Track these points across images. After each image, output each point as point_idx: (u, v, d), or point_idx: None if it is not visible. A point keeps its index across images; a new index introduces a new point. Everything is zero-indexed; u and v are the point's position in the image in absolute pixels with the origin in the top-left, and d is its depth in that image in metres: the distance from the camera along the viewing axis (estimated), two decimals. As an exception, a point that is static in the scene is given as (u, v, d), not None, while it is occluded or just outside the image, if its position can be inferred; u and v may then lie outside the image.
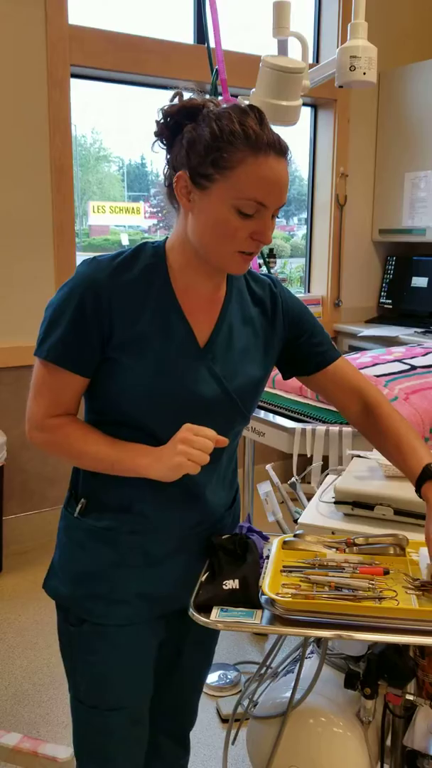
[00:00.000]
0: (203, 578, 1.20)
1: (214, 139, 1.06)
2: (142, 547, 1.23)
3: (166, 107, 1.15)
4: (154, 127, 1.17)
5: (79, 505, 1.24)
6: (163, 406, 1.15)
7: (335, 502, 1.46)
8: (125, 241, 3.87)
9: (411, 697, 1.32)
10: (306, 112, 4.03)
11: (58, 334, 1.13)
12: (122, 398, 1.15)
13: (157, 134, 1.16)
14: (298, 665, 1.45)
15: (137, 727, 1.30)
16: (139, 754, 1.33)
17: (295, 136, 4.08)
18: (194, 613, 1.11)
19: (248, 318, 1.26)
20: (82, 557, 1.23)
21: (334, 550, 1.24)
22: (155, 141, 1.17)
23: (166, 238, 1.21)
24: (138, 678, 1.28)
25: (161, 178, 1.19)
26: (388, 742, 1.47)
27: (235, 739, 2.00)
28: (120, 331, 1.13)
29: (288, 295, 1.32)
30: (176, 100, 1.16)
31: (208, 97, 1.17)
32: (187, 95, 1.16)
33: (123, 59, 3.14)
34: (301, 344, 1.32)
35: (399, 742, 1.46)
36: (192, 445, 1.10)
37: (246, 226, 1.09)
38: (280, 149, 1.08)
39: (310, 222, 4.20)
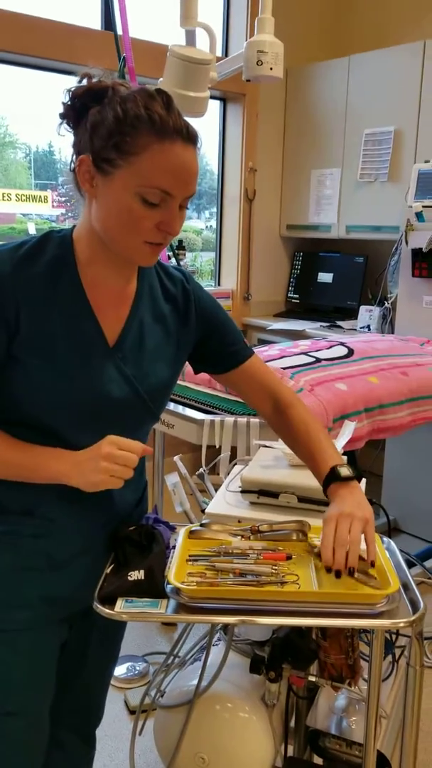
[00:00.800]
0: (108, 570, 1.19)
1: (118, 122, 1.03)
2: (45, 550, 1.19)
3: (72, 88, 1.11)
4: (60, 109, 1.12)
5: None
6: (70, 407, 1.12)
7: (242, 491, 1.48)
8: (32, 230, 3.77)
9: (313, 679, 1.36)
10: (215, 106, 4.04)
11: None
12: (27, 400, 1.11)
13: (62, 116, 1.11)
14: (204, 653, 1.46)
15: (37, 732, 1.25)
16: (38, 759, 1.27)
17: (205, 129, 4.09)
18: (98, 606, 1.10)
19: (160, 315, 1.23)
20: None
21: (240, 537, 1.25)
22: (60, 123, 1.12)
23: (74, 227, 1.16)
24: (39, 682, 1.23)
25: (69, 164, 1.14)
26: (292, 723, 1.51)
27: (142, 729, 2.00)
28: (26, 328, 1.08)
29: (201, 293, 1.30)
30: (84, 82, 1.11)
31: (118, 79, 1.12)
32: (97, 78, 1.13)
33: (26, 41, 3.05)
34: (213, 343, 1.31)
35: (302, 723, 1.50)
36: (116, 462, 1.08)
37: (151, 215, 1.06)
38: (188, 136, 1.05)
39: (220, 216, 4.22)
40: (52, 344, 1.10)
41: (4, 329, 1.07)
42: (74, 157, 1.11)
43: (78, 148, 1.10)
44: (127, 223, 1.06)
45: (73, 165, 1.11)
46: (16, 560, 1.17)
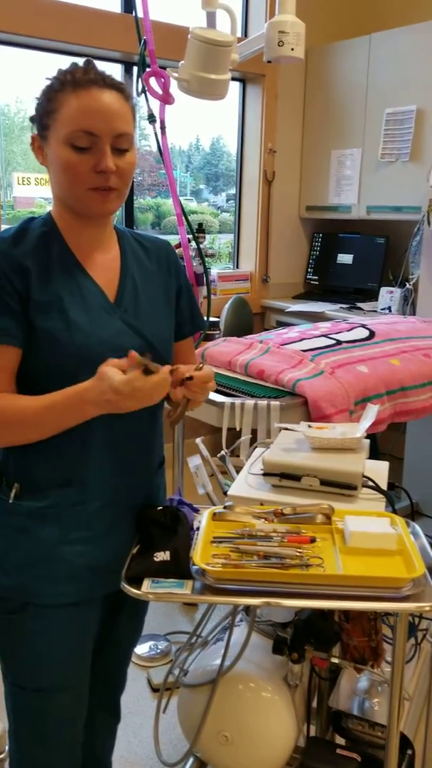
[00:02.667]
0: (134, 551, 1.21)
1: (45, 93, 1.15)
2: (87, 519, 1.23)
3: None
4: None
5: (13, 490, 1.22)
6: (91, 363, 1.15)
7: (263, 474, 1.49)
8: (51, 214, 3.78)
9: (336, 661, 1.38)
10: (234, 87, 4.01)
11: None
12: (50, 367, 1.15)
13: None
14: (227, 633, 1.48)
15: (80, 706, 1.31)
16: (81, 731, 1.34)
17: (224, 111, 4.06)
18: (126, 585, 1.12)
19: (147, 271, 1.31)
20: (26, 541, 1.21)
21: (263, 520, 1.27)
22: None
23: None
24: (82, 657, 1.29)
25: None
26: (315, 703, 1.53)
27: (165, 707, 2.03)
28: (36, 294, 1.14)
29: (178, 260, 1.39)
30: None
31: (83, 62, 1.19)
32: (105, 65, 1.19)
33: (46, 26, 3.04)
34: (182, 304, 1.38)
35: (324, 704, 1.52)
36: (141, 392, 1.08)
37: (85, 160, 1.12)
38: (104, 83, 1.13)
39: (239, 198, 4.20)
40: (62, 304, 1.16)
41: (17, 299, 1.13)
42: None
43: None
44: (67, 175, 1.14)
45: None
46: (61, 533, 1.21)
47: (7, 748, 1.75)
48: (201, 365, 1.23)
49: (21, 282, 1.14)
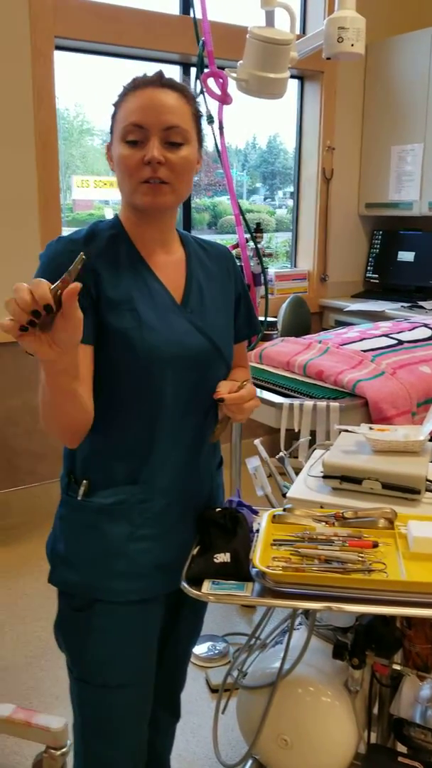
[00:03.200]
0: (194, 552, 1.21)
1: (115, 100, 1.20)
2: (155, 516, 1.24)
3: None
4: None
5: (82, 488, 1.24)
6: (160, 362, 1.18)
7: (323, 477, 1.47)
8: (109, 215, 3.83)
9: (398, 667, 1.35)
10: (293, 85, 3.99)
11: None
12: (120, 365, 1.17)
13: None
14: (286, 636, 1.47)
15: (146, 703, 1.32)
16: (145, 729, 1.35)
17: (281, 108, 4.04)
18: (186, 586, 1.12)
19: (210, 273, 1.32)
20: (95, 538, 1.23)
21: (323, 524, 1.25)
22: None
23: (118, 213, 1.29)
24: (148, 653, 1.31)
25: None
26: (375, 710, 1.50)
27: (225, 708, 2.03)
28: (105, 292, 1.17)
29: (238, 267, 1.41)
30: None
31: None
32: (163, 67, 1.22)
33: (106, 31, 3.08)
34: (241, 309, 1.40)
35: (386, 711, 1.49)
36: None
37: (134, 153, 1.15)
38: (161, 83, 1.16)
39: (297, 196, 4.18)
40: (132, 304, 1.18)
41: (88, 298, 1.15)
42: None
43: None
44: (121, 169, 1.17)
45: None
46: (130, 529, 1.23)
47: (68, 742, 1.78)
48: (244, 383, 1.24)
49: (93, 281, 1.16)
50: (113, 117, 1.20)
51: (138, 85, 1.17)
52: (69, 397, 1.06)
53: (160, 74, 1.19)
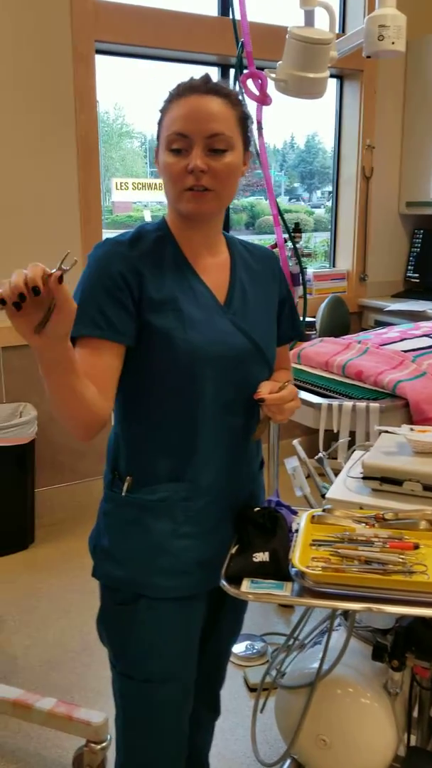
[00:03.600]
0: (233, 550, 1.22)
1: (162, 106, 1.21)
2: (197, 515, 1.26)
3: None
4: None
5: (126, 483, 1.26)
6: (202, 362, 1.19)
7: (363, 478, 1.47)
8: (148, 218, 3.86)
9: (438, 669, 1.34)
10: (332, 84, 3.97)
11: (96, 306, 1.16)
12: (164, 365, 1.19)
13: None
14: (325, 637, 1.47)
15: (187, 697, 1.34)
16: (186, 724, 1.36)
17: (320, 107, 4.02)
18: (225, 584, 1.13)
19: (255, 274, 1.34)
20: (139, 533, 1.25)
21: (363, 525, 1.25)
22: None
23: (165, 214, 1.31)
24: (190, 649, 1.32)
25: None
26: (416, 713, 1.50)
27: (263, 707, 2.04)
28: (149, 293, 1.18)
29: (282, 271, 1.42)
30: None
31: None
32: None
33: (146, 34, 3.11)
34: (284, 311, 1.41)
35: (426, 714, 1.48)
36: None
37: (178, 161, 1.16)
38: (206, 89, 1.17)
39: (335, 195, 4.15)
40: (176, 304, 1.20)
41: (130, 295, 1.17)
42: None
43: None
44: (166, 176, 1.19)
45: None
46: (173, 526, 1.24)
47: (109, 736, 1.81)
48: (285, 384, 1.24)
49: (136, 282, 1.18)
50: (159, 123, 1.21)
51: (182, 92, 1.18)
52: (65, 390, 1.06)
53: (205, 79, 1.19)
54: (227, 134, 1.17)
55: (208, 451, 1.25)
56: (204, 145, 1.16)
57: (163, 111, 1.21)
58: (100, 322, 1.15)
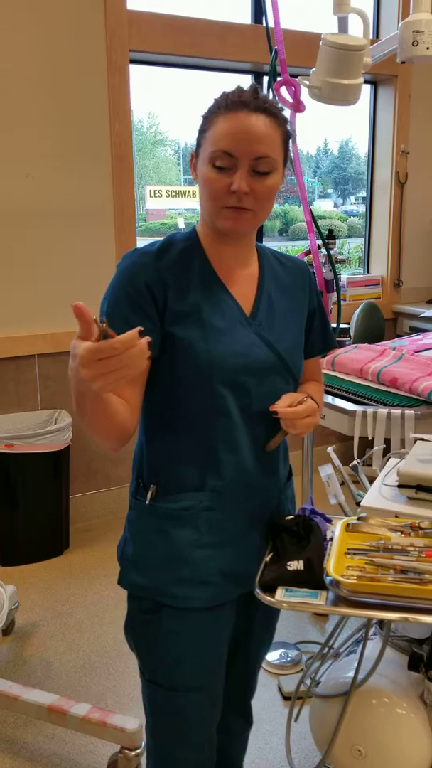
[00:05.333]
0: (267, 559, 1.22)
1: (204, 113, 1.19)
2: (220, 524, 1.25)
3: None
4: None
5: (150, 492, 1.26)
6: (224, 373, 1.19)
7: (399, 486, 1.46)
8: (181, 225, 3.89)
9: None
10: (366, 89, 3.95)
11: (121, 316, 1.16)
12: (185, 375, 1.19)
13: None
14: (360, 646, 1.46)
15: (213, 708, 1.34)
16: (213, 732, 1.37)
17: (354, 113, 4.01)
18: (260, 593, 1.13)
19: (284, 288, 1.33)
20: (162, 542, 1.25)
21: (399, 533, 1.24)
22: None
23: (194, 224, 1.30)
24: (217, 658, 1.32)
25: None
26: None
27: (297, 716, 2.03)
28: (173, 303, 1.19)
29: (315, 283, 1.41)
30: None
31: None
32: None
33: (180, 43, 3.14)
34: (315, 324, 1.40)
35: (463, 725, 1.46)
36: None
37: (221, 178, 1.15)
38: (255, 107, 1.14)
39: (370, 201, 4.13)
40: (200, 315, 1.20)
41: (154, 305, 1.18)
42: None
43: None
44: (206, 192, 1.18)
45: None
46: (195, 536, 1.24)
47: (143, 743, 1.81)
48: (305, 398, 1.23)
49: (161, 293, 1.18)
50: (202, 131, 1.19)
51: (231, 106, 1.14)
52: (99, 412, 1.04)
53: (254, 94, 1.16)
54: (273, 157, 1.16)
55: (231, 461, 1.24)
56: (249, 167, 1.15)
57: (209, 120, 1.17)
58: (126, 330, 1.15)
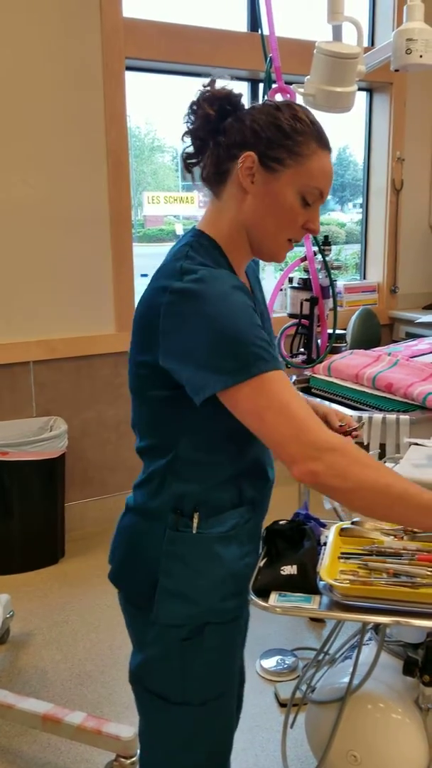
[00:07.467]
0: (261, 563, 1.22)
1: (290, 127, 1.12)
2: (253, 532, 1.26)
3: (208, 92, 1.17)
4: (208, 110, 1.16)
5: (195, 521, 1.18)
6: None
7: (393, 490, 1.45)
8: (179, 231, 3.90)
9: (471, 685, 1.32)
10: (361, 97, 3.97)
11: (260, 337, 1.06)
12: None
13: (208, 117, 1.16)
14: (356, 651, 1.46)
15: (233, 706, 1.32)
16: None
17: (350, 120, 4.03)
18: (253, 598, 1.13)
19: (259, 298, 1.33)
20: (213, 567, 1.19)
21: (392, 537, 1.24)
22: (200, 124, 1.16)
23: (197, 230, 1.19)
24: (241, 661, 1.32)
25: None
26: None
27: (293, 723, 2.02)
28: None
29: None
30: (217, 86, 1.18)
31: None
32: (222, 82, 1.19)
33: (175, 50, 3.15)
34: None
35: (459, 730, 1.45)
36: None
37: (304, 214, 1.15)
38: (330, 148, 1.17)
39: (366, 207, 4.15)
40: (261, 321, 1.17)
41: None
42: (216, 154, 1.16)
43: (227, 147, 1.15)
44: (283, 220, 1.14)
45: (213, 162, 1.16)
46: (240, 549, 1.22)
47: (138, 751, 1.81)
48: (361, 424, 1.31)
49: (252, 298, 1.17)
50: (290, 150, 1.12)
51: (324, 142, 1.15)
52: None
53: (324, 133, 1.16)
54: None
55: (263, 469, 1.26)
56: None
57: (301, 143, 1.12)
58: (273, 355, 1.09)
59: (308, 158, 1.12)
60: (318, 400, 2.36)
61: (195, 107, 1.17)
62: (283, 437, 1.02)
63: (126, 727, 1.85)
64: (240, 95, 1.18)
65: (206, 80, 1.18)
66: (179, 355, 1.07)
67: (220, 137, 1.15)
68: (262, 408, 1.03)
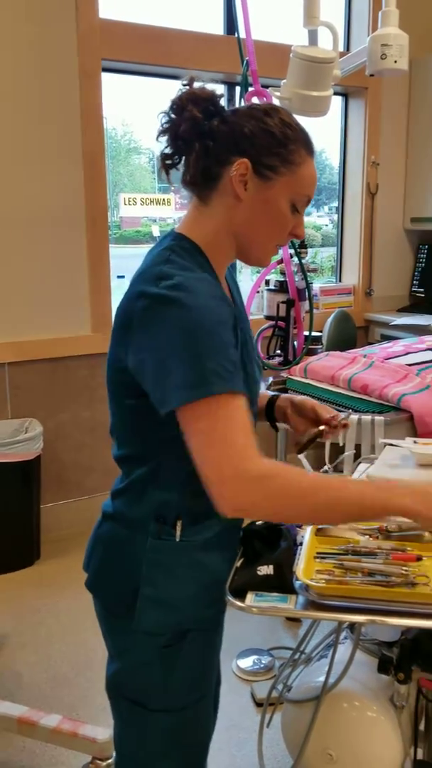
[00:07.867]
0: (238, 564, 1.22)
1: (283, 134, 1.12)
2: (233, 536, 1.26)
3: (186, 94, 1.13)
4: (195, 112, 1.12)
5: (178, 530, 1.17)
6: (251, 395, 1.16)
7: (368, 490, 1.47)
8: (156, 233, 3.89)
9: (444, 683, 1.33)
10: (337, 101, 4.00)
11: (223, 355, 1.02)
12: None
13: (196, 120, 1.12)
14: (331, 650, 1.47)
15: (215, 710, 1.34)
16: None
17: (326, 124, 4.06)
18: (230, 598, 1.13)
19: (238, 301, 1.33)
20: (199, 573, 1.20)
21: (367, 537, 1.25)
22: (187, 128, 1.12)
23: (177, 234, 1.16)
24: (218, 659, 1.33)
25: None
26: (422, 726, 1.49)
27: (269, 722, 2.03)
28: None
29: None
30: (196, 86, 1.14)
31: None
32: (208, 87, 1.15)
33: (152, 52, 3.15)
34: None
35: (432, 727, 1.47)
36: None
37: (292, 221, 1.16)
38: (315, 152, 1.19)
39: (341, 211, 4.18)
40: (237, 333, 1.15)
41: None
42: (203, 162, 1.14)
43: (217, 153, 1.13)
44: (275, 227, 1.15)
45: (200, 169, 1.14)
46: (221, 555, 1.22)
47: (114, 753, 1.80)
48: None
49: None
50: (283, 157, 1.12)
51: (311, 149, 1.17)
52: None
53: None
54: None
55: None
56: None
57: (294, 151, 1.13)
58: (236, 373, 1.05)
59: (299, 166, 1.13)
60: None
61: (177, 107, 1.13)
62: (222, 464, 1.00)
63: (102, 729, 1.85)
64: (222, 96, 1.16)
65: (185, 80, 1.14)
66: (143, 363, 1.05)
67: (208, 141, 1.13)
68: (200, 431, 1.01)
